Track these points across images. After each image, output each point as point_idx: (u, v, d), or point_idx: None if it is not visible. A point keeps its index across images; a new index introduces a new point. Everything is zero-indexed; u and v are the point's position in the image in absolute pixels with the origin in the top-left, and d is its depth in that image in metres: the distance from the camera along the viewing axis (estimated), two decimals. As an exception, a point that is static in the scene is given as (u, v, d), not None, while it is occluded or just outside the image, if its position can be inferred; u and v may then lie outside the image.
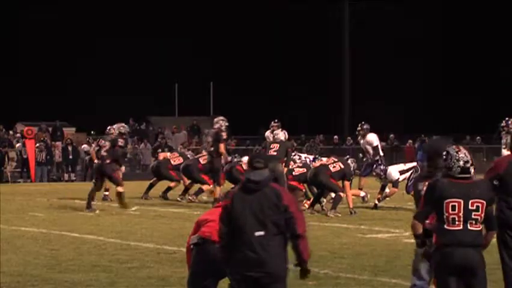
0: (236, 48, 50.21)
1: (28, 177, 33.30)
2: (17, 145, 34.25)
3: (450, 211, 7.11)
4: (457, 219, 7.10)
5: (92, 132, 37.37)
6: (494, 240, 7.59)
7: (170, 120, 43.44)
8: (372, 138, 21.19)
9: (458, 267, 7.06)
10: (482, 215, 7.13)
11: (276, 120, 20.00)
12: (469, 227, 7.11)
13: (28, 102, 44.17)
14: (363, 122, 21.69)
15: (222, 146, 18.87)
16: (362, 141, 21.42)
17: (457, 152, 7.22)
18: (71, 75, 47.51)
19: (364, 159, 21.44)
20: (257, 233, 6.71)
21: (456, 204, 7.11)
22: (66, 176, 34.53)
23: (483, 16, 49.45)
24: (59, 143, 35.43)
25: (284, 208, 6.82)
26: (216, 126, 19.24)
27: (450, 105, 48.18)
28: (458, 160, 7.19)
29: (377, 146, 21.03)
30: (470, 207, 7.12)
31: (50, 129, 37.49)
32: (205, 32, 50.10)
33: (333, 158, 18.94)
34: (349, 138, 40.11)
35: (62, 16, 48.36)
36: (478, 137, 40.55)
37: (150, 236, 14.45)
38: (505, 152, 19.13)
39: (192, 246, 7.68)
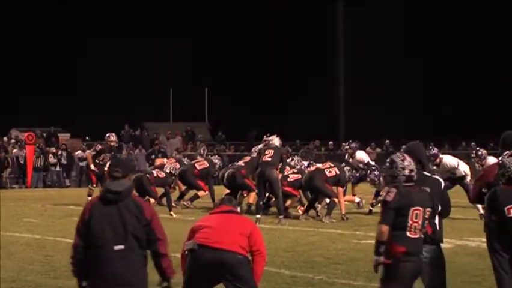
0: (231, 54, 50.22)
1: (24, 183, 33.24)
2: (14, 151, 34.17)
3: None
4: None
5: (87, 138, 37.31)
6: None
7: (165, 126, 43.39)
8: (362, 156, 21.10)
9: None
10: None
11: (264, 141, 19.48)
12: None
13: (23, 108, 44.12)
14: (350, 141, 21.61)
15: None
16: (351, 160, 21.12)
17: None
18: (66, 81, 47.50)
19: (357, 174, 21.27)
20: (116, 247, 6.41)
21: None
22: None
23: (483, 16, 49.38)
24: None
25: (146, 222, 6.52)
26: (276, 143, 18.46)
27: (449, 108, 48.16)
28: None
29: (368, 161, 21.01)
30: None
31: (44, 134, 37.43)
32: (199, 38, 50.11)
33: (329, 163, 18.94)
34: (344, 144, 39.97)
35: (59, 22, 48.37)
36: (473, 143, 40.49)
37: (145, 242, 14.40)
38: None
39: (186, 252, 7.67)
